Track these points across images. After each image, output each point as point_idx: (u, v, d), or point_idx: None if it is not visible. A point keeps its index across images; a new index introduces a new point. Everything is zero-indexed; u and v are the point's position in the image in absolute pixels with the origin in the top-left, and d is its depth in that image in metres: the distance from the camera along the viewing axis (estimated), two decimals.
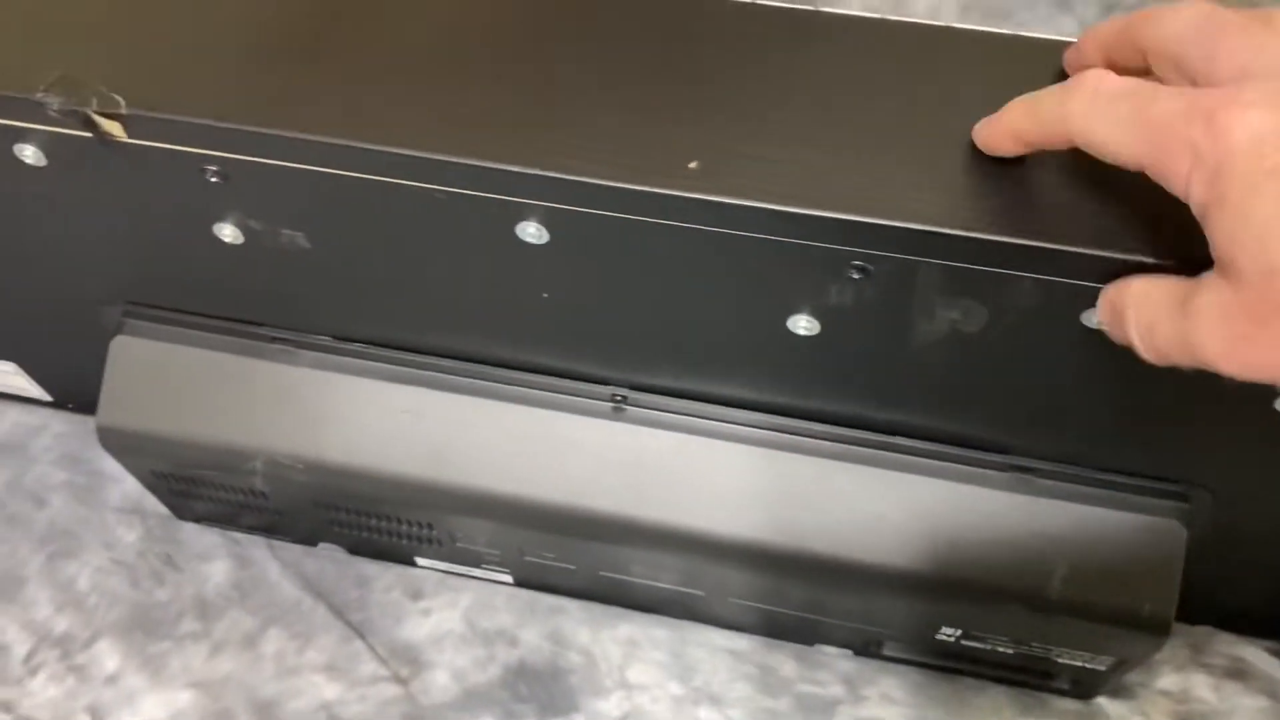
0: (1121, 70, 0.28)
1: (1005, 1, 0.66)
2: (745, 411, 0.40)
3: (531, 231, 0.33)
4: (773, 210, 0.30)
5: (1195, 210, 0.25)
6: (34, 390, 0.52)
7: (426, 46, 0.34)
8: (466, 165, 0.31)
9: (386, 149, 0.32)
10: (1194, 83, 0.27)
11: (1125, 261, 0.29)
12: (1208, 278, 0.26)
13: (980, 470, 0.39)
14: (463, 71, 0.33)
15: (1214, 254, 0.25)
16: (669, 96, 0.33)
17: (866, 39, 0.34)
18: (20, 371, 0.50)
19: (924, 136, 0.32)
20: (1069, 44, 0.34)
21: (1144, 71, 0.29)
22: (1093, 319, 0.31)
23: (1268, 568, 0.42)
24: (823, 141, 0.32)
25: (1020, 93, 0.33)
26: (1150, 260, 0.29)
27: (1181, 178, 0.25)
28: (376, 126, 0.32)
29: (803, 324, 0.34)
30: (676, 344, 0.38)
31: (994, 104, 0.33)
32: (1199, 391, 0.33)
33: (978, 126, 0.31)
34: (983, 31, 0.34)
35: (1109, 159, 0.27)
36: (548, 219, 0.33)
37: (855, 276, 0.32)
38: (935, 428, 0.38)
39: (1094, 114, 0.27)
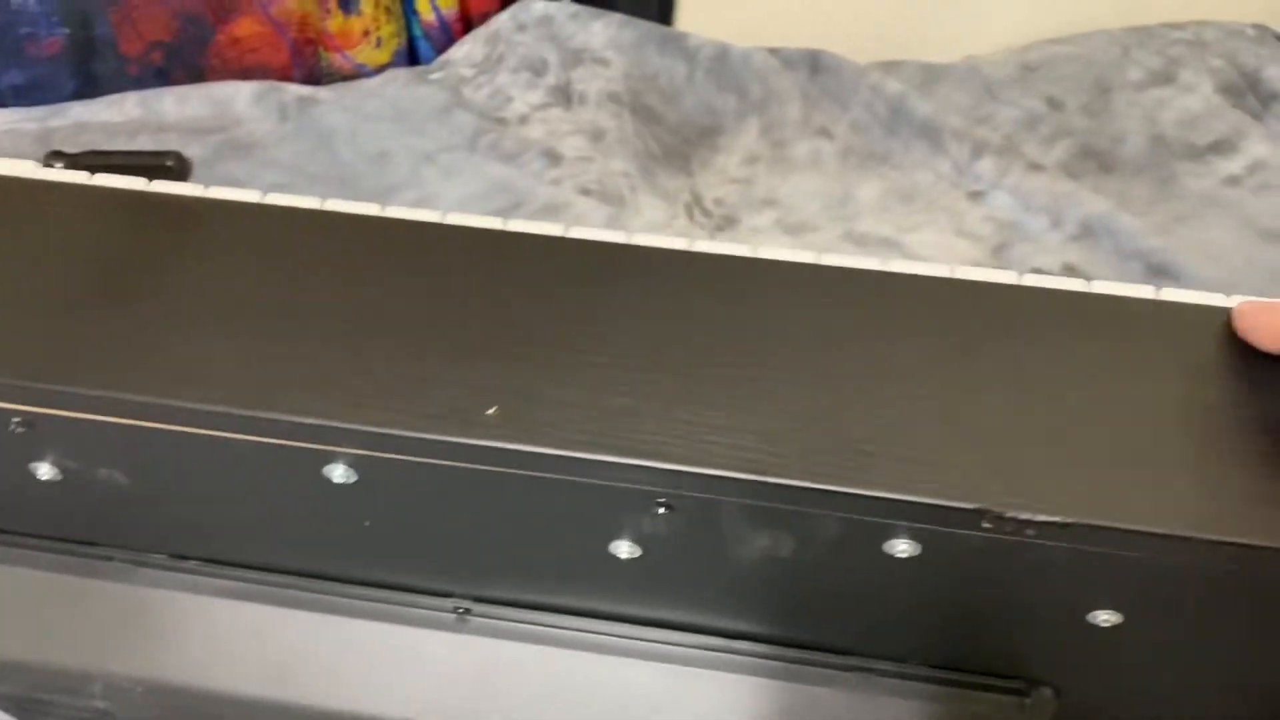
0: None
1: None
2: (589, 620, 0.39)
3: (340, 473, 0.33)
4: (566, 456, 0.30)
5: None
6: None
7: (232, 299, 0.34)
8: (265, 419, 0.31)
9: (187, 404, 0.32)
10: None
11: (917, 504, 0.29)
12: None
13: (820, 670, 0.38)
14: (267, 322, 0.33)
15: None
16: (477, 339, 0.33)
17: (678, 271, 0.35)
18: None
19: (727, 372, 0.32)
20: (891, 274, 0.34)
21: None
22: (897, 548, 0.31)
23: None
24: (623, 383, 0.32)
25: (815, 321, 0.33)
26: (946, 504, 0.29)
27: None
28: (178, 381, 0.32)
29: (624, 549, 0.34)
30: (506, 563, 0.37)
31: (810, 335, 0.33)
32: (1017, 604, 0.33)
33: (1246, 309, 0.30)
34: (799, 262, 0.35)
35: None
36: (354, 462, 0.32)
37: (661, 512, 0.32)
38: (773, 634, 0.38)
39: None
